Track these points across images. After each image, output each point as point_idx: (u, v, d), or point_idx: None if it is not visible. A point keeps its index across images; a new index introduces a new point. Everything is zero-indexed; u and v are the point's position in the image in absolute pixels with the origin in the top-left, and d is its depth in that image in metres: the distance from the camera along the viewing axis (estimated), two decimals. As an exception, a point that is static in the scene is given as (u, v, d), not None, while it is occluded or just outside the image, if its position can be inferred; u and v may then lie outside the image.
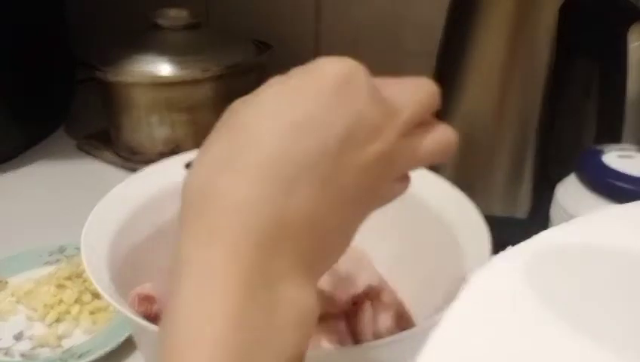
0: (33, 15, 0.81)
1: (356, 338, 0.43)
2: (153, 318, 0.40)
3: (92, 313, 0.51)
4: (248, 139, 0.24)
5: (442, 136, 0.28)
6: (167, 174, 0.49)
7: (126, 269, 0.41)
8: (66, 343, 0.48)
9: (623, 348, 0.13)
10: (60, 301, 0.51)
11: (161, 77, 0.70)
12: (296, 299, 0.23)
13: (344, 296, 0.40)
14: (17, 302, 0.52)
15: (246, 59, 0.75)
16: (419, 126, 0.27)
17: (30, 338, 0.49)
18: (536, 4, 0.51)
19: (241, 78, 0.75)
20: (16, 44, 0.77)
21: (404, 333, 0.34)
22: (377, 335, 0.42)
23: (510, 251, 0.17)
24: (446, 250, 0.43)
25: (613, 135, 0.49)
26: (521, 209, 0.56)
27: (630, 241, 0.17)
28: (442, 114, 0.57)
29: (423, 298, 0.45)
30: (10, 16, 0.77)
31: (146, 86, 0.70)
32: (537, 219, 0.53)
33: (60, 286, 0.52)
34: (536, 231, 0.18)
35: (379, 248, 0.47)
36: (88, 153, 0.80)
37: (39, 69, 0.81)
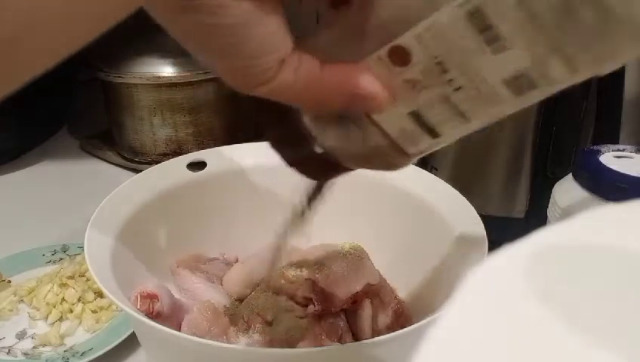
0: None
1: (356, 335, 0.43)
2: (155, 316, 0.40)
3: (94, 311, 0.51)
4: None
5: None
6: (169, 175, 0.49)
7: (128, 268, 0.41)
8: (69, 341, 0.49)
9: (620, 347, 0.13)
10: (63, 300, 0.51)
11: (163, 78, 0.70)
12: None
13: (344, 294, 0.41)
14: (20, 301, 0.53)
15: (247, 60, 0.75)
16: None
17: (33, 337, 0.49)
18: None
19: (243, 79, 0.75)
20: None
21: (403, 331, 0.34)
22: (376, 333, 0.43)
23: (506, 250, 0.17)
24: (444, 249, 0.43)
25: (610, 135, 0.49)
26: (519, 208, 0.56)
27: (627, 241, 0.17)
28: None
29: (421, 296, 0.45)
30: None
31: (148, 87, 0.70)
32: (534, 219, 0.53)
33: (63, 285, 0.52)
34: (534, 231, 0.18)
35: (378, 247, 0.47)
36: (91, 153, 0.81)
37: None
